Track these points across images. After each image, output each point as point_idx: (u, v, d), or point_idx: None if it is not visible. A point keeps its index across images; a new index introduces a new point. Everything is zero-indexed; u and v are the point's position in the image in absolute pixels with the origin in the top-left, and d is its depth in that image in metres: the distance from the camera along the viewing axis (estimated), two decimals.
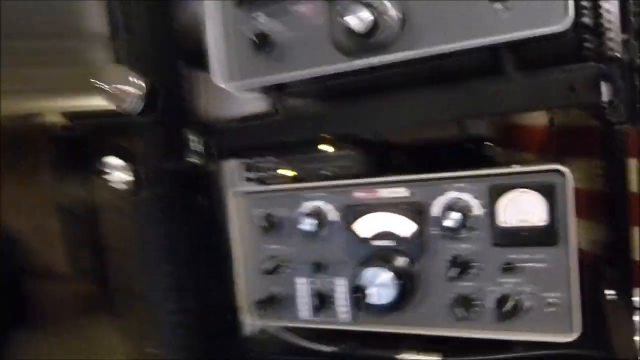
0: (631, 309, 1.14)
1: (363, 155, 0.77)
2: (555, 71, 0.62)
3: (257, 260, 0.83)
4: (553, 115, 1.24)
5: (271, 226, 0.81)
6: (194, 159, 0.82)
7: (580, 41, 0.64)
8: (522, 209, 0.68)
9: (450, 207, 0.70)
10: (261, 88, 0.79)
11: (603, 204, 1.09)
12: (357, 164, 0.77)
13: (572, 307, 0.66)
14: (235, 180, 0.87)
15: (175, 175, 0.84)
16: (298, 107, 0.79)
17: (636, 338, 0.99)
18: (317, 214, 0.78)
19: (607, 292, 1.03)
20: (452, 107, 0.68)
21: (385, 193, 0.75)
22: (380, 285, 0.72)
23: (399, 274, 0.71)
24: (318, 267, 0.78)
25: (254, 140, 0.80)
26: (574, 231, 0.65)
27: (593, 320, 0.70)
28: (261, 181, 0.85)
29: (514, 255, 0.69)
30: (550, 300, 0.67)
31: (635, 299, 1.16)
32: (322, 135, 0.77)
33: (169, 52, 0.86)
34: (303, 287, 0.81)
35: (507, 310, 0.67)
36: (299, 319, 0.81)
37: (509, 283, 0.69)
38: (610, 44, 0.60)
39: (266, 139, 0.79)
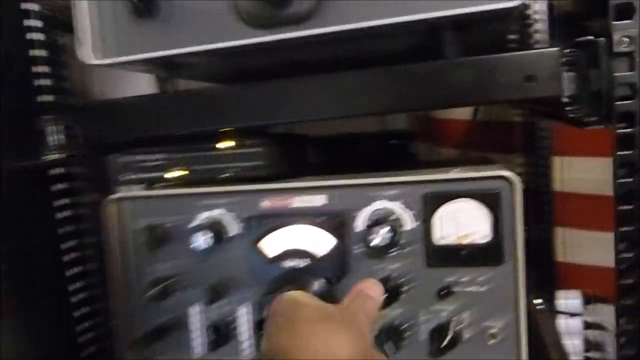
0: (554, 313, 1.09)
1: (273, 153, 0.62)
2: (508, 57, 0.50)
3: (139, 284, 0.67)
4: (477, 109, 1.17)
5: (157, 241, 0.65)
6: (54, 155, 0.64)
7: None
8: (462, 222, 0.57)
9: (377, 220, 0.57)
10: (147, 67, 0.63)
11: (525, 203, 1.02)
12: (265, 166, 0.62)
13: (519, 337, 0.56)
14: (111, 183, 0.69)
15: (27, 176, 0.65)
16: (195, 91, 0.63)
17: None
18: (214, 227, 0.63)
19: (535, 301, 0.97)
20: (380, 97, 0.55)
21: (299, 202, 0.61)
22: None
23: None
24: (215, 293, 0.63)
25: (134, 130, 0.64)
26: (522, 248, 0.55)
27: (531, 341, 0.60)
28: (145, 184, 0.68)
29: (451, 277, 0.58)
30: (493, 330, 0.57)
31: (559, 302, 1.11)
32: (222, 127, 0.62)
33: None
34: (197, 318, 0.65)
35: (443, 343, 0.56)
36: (193, 357, 0.66)
37: (445, 310, 0.58)
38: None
39: (149, 130, 0.63)
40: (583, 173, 1.12)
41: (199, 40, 0.56)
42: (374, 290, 0.53)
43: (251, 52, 0.57)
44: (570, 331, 1.07)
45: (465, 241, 0.57)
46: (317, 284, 0.60)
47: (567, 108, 0.49)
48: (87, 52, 0.59)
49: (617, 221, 0.50)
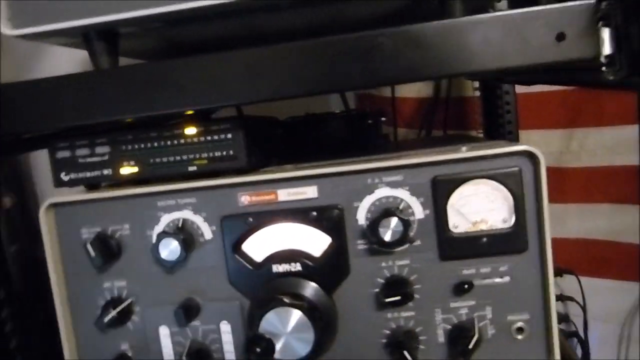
0: None
1: (246, 140, 0.52)
2: (532, 12, 0.43)
3: (93, 306, 0.55)
4: (440, 85, 1.11)
5: (108, 254, 0.53)
6: None
7: None
8: (478, 207, 0.50)
9: (384, 211, 0.49)
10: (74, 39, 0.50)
11: None
12: (238, 155, 0.52)
13: (550, 330, 0.50)
14: (48, 186, 0.56)
15: None
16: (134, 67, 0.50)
17: None
18: (180, 232, 0.52)
19: None
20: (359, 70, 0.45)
21: (285, 195, 0.52)
22: (294, 332, 0.49)
23: (310, 312, 0.49)
24: (189, 311, 0.53)
25: (63, 115, 0.50)
26: (549, 231, 0.49)
27: None
28: (90, 184, 0.56)
29: (469, 270, 0.50)
30: (520, 324, 0.50)
31: None
32: (176, 109, 0.50)
33: None
34: (168, 342, 0.54)
35: (469, 345, 0.49)
36: None
37: (464, 307, 0.51)
38: None
39: (84, 116, 0.50)
40: (544, 146, 1.09)
41: (128, 7, 0.45)
42: None
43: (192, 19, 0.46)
44: None
45: (482, 227, 0.50)
46: (312, 291, 0.51)
47: (603, 69, 0.42)
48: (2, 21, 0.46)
49: None
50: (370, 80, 0.45)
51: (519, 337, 0.50)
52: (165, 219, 0.53)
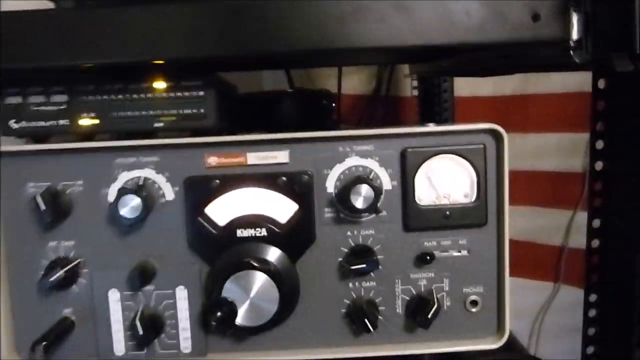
0: None
1: (217, 100, 0.51)
2: None
3: (35, 266, 0.51)
4: (381, 82, 1.13)
5: (58, 211, 0.50)
6: None
7: None
8: (443, 181, 0.51)
9: (357, 178, 0.49)
10: None
11: None
12: (208, 115, 0.51)
13: (502, 305, 0.52)
14: None
15: None
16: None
17: None
18: (140, 191, 0.49)
19: None
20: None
21: (255, 158, 0.51)
22: (257, 297, 0.48)
23: (276, 277, 0.48)
24: (143, 274, 0.50)
25: (17, 55, 0.46)
26: (508, 208, 0.51)
27: None
28: (38, 135, 0.52)
29: (431, 242, 0.52)
30: (475, 297, 0.52)
31: None
32: (148, 57, 0.48)
33: None
34: (117, 306, 0.51)
35: (428, 315, 0.50)
36: (114, 357, 0.52)
37: (423, 279, 0.52)
38: None
39: (39, 57, 0.46)
40: None
41: None
42: None
43: None
44: None
45: (445, 202, 0.51)
46: (276, 256, 0.50)
47: (571, 52, 0.45)
48: None
49: None
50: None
51: (473, 309, 0.52)
52: (124, 177, 0.51)
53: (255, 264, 0.48)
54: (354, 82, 1.21)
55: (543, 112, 1.16)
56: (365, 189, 0.48)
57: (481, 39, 0.45)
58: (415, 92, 1.12)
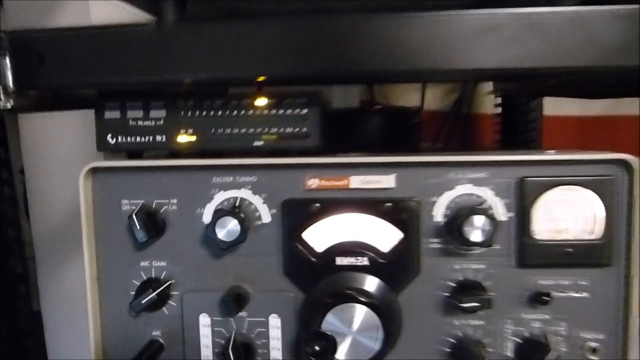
0: None
1: (321, 119, 0.48)
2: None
3: (126, 286, 0.49)
4: (462, 98, 1.08)
5: (154, 228, 0.48)
6: None
7: None
8: (565, 214, 0.47)
9: (472, 209, 0.45)
10: None
11: None
12: (311, 134, 0.48)
13: (627, 354, 0.47)
14: (87, 149, 0.51)
15: None
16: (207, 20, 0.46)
17: None
18: (236, 212, 0.47)
19: None
20: None
21: (358, 182, 0.48)
22: (359, 332, 0.44)
23: (380, 311, 0.45)
24: (235, 300, 0.48)
25: (112, 71, 0.45)
26: (638, 248, 0.46)
27: None
28: (135, 151, 0.50)
29: (547, 280, 0.47)
30: (594, 344, 0.47)
31: None
32: (252, 75, 0.45)
33: None
34: (207, 331, 0.49)
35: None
36: None
37: (537, 320, 0.48)
38: None
39: (138, 72, 0.45)
40: None
41: None
42: None
43: None
44: None
45: (566, 237, 0.47)
46: (377, 288, 0.47)
47: None
48: None
49: None
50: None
51: (592, 358, 0.47)
52: (220, 197, 0.48)
53: (360, 298, 0.44)
54: (428, 97, 1.17)
55: (631, 134, 1.09)
56: (481, 220, 0.44)
57: (621, 63, 0.41)
58: (498, 110, 1.06)
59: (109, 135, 0.49)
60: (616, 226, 0.46)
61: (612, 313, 0.47)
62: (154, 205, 0.49)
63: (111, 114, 0.49)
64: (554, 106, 1.11)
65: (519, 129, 1.00)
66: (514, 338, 0.48)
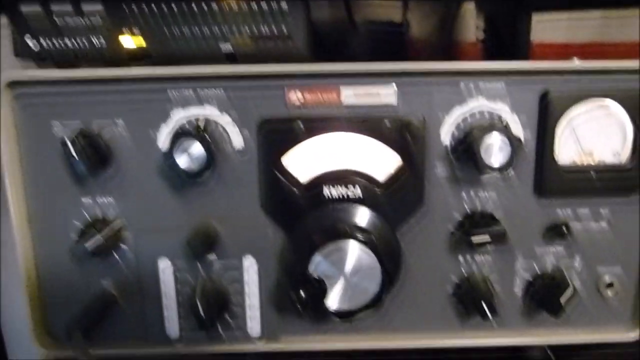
0: None
1: (307, 16, 0.38)
2: None
3: (65, 228, 0.40)
4: None
5: (97, 157, 0.38)
6: None
7: None
8: (589, 134, 0.40)
9: (483, 127, 0.38)
10: None
11: None
12: (292, 36, 0.38)
13: None
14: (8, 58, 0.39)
15: None
16: None
17: None
18: (200, 134, 0.37)
19: None
20: None
21: (351, 95, 0.39)
22: (353, 274, 0.37)
23: (378, 249, 0.38)
24: (202, 239, 0.39)
25: None
26: None
27: None
28: (64, 59, 0.39)
29: (565, 209, 0.41)
30: (611, 279, 0.42)
31: None
32: None
33: None
34: (169, 278, 0.41)
35: (553, 301, 0.40)
36: (165, 341, 0.42)
37: (549, 254, 0.42)
38: None
39: None
40: None
41: None
42: None
43: None
44: None
45: (590, 160, 0.40)
46: (373, 223, 0.40)
47: None
48: None
49: None
50: None
51: (608, 293, 0.42)
52: (179, 116, 0.39)
53: (353, 233, 0.37)
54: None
55: None
56: (499, 140, 0.37)
57: None
58: (481, 35, 0.97)
59: (28, 37, 0.37)
60: None
61: (631, 246, 0.42)
62: (94, 127, 0.39)
63: (29, 8, 0.37)
64: (538, 33, 1.03)
65: (504, 56, 0.92)
66: (524, 274, 0.42)
